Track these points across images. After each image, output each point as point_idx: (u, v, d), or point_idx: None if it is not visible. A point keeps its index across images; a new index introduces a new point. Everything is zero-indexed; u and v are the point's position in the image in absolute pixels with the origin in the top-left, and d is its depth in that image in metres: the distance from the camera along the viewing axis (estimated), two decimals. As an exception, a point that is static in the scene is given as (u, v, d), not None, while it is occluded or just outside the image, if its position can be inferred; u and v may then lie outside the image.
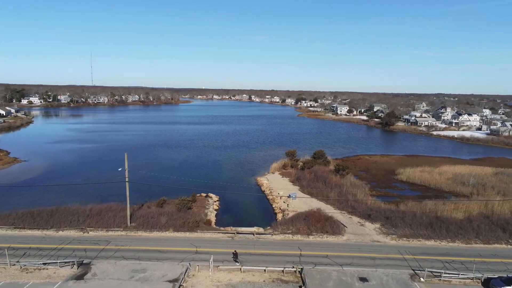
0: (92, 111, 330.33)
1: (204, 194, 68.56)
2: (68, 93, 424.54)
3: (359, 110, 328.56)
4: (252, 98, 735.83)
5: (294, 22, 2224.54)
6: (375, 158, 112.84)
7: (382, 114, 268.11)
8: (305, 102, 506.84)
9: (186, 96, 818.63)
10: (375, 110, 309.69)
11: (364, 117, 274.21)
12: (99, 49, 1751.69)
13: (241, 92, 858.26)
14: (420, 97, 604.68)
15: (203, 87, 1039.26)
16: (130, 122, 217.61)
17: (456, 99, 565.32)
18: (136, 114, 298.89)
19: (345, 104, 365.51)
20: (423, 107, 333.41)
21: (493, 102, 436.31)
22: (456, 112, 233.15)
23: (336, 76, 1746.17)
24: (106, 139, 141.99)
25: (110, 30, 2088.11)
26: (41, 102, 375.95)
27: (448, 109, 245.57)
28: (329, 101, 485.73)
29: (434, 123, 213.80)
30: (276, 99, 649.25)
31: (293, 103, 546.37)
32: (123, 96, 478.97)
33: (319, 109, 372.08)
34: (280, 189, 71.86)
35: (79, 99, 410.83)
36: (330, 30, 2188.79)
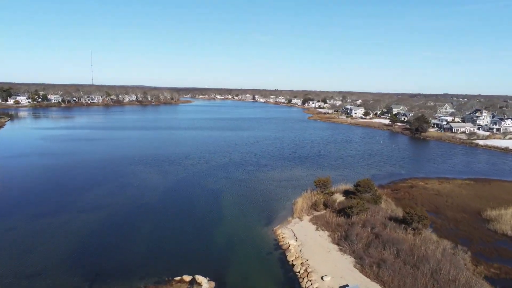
0: (83, 112, 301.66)
1: (188, 278, 38.40)
2: (61, 92, 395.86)
3: (375, 112, 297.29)
4: (256, 98, 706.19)
5: (298, 23, 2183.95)
6: (432, 184, 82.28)
7: (405, 117, 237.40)
8: (313, 103, 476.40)
9: (188, 96, 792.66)
10: (394, 112, 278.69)
11: (385, 121, 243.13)
12: (99, 48, 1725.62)
13: (244, 91, 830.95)
14: (427, 97, 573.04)
15: (206, 87, 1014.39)
16: (120, 127, 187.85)
17: (465, 99, 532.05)
18: (130, 116, 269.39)
19: (359, 105, 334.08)
20: (446, 109, 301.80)
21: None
22: (497, 117, 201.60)
23: (341, 76, 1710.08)
24: (82, 151, 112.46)
25: (111, 30, 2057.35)
26: (29, 102, 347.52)
27: (484, 113, 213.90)
28: (339, 102, 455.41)
29: (472, 129, 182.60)
30: (281, 99, 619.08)
31: (299, 103, 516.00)
32: (120, 96, 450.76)
33: (330, 111, 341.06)
34: (320, 263, 41.51)
35: (71, 98, 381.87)
36: (335, 30, 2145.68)
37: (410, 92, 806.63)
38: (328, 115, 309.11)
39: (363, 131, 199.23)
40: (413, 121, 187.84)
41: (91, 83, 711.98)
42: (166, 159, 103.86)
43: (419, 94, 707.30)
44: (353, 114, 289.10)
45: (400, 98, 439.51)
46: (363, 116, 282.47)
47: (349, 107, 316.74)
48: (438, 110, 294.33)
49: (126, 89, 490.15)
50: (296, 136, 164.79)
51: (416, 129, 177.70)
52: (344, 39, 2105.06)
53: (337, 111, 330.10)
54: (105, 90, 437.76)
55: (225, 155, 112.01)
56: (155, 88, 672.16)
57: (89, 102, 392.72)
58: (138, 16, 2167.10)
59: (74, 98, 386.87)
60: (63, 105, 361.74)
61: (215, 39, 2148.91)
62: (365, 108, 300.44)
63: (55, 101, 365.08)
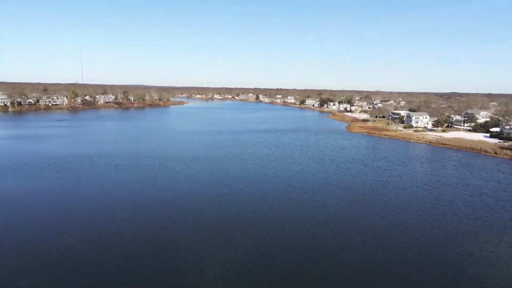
0: (26, 120, 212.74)
1: None
2: (31, 92, 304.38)
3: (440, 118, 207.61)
4: (260, 98, 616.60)
5: (301, 21, 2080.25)
6: None
7: (506, 128, 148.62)
8: (334, 105, 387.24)
9: (183, 96, 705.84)
10: (479, 120, 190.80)
11: (468, 134, 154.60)
12: (91, 45, 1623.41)
13: (245, 91, 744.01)
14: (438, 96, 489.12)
15: (205, 86, 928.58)
16: (30, 164, 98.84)
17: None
18: (89, 131, 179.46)
19: (410, 109, 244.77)
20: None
21: None
22: None
23: (350, 74, 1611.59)
24: None
25: (105, 25, 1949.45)
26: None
27: None
28: (362, 103, 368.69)
29: None
30: (291, 99, 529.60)
31: (316, 105, 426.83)
32: (97, 96, 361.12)
33: (369, 117, 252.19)
34: None
35: (25, 100, 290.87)
36: (339, 28, 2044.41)
37: (418, 91, 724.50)
38: (372, 124, 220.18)
39: (478, 162, 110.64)
40: None
41: (81, 82, 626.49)
42: None
43: (428, 93, 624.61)
44: (413, 124, 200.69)
45: (468, 100, 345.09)
46: (430, 127, 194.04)
47: (402, 112, 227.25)
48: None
49: (104, 88, 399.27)
50: (389, 184, 75.44)
51: None
52: (350, 35, 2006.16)
53: (381, 117, 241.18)
54: (71, 89, 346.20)
55: None
56: (153, 87, 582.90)
57: (50, 104, 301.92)
58: (132, 10, 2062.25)
59: (30, 100, 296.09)
60: (11, 109, 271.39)
61: (214, 36, 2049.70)
62: (429, 114, 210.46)
63: (1, 104, 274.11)
